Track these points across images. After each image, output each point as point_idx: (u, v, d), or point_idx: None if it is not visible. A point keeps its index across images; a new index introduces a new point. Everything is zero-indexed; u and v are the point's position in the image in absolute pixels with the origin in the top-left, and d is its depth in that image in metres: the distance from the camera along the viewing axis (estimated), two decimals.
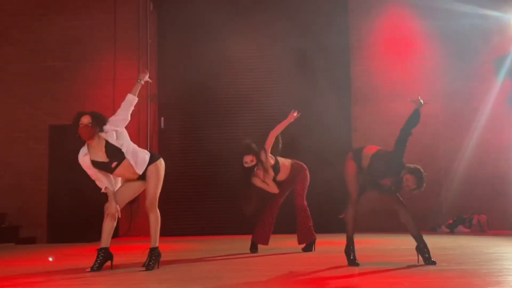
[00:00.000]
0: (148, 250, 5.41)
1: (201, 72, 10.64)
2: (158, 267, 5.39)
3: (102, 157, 5.27)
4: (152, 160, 5.41)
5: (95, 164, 5.29)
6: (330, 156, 10.10)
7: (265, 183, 6.78)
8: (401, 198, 5.41)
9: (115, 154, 5.26)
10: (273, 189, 6.86)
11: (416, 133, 5.36)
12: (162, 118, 10.65)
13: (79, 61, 10.77)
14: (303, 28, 10.59)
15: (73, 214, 10.03)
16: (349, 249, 5.44)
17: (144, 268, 5.32)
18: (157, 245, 5.40)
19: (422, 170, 5.15)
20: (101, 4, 10.88)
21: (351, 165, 5.49)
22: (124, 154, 5.27)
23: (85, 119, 5.22)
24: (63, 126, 10.53)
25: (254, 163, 6.63)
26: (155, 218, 5.41)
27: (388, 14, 10.70)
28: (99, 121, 5.26)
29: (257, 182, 6.77)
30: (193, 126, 10.63)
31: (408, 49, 10.60)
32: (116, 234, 10.23)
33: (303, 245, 6.93)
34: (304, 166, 7.03)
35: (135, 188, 5.50)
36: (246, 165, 6.62)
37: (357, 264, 5.31)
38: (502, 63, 10.35)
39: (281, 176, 6.92)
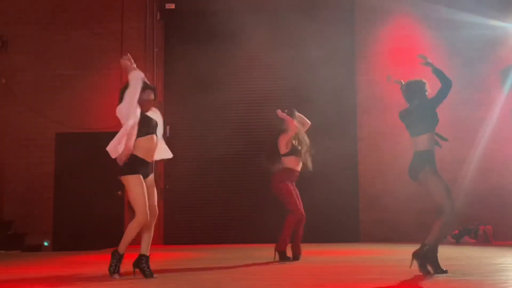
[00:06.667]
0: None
1: (207, 80, 10.69)
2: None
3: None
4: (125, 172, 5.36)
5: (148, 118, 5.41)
6: (336, 165, 10.11)
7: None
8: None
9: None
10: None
11: None
12: (168, 126, 10.67)
13: (87, 69, 10.85)
14: (309, 37, 10.62)
15: (79, 222, 10.07)
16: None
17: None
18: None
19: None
20: (109, 14, 10.97)
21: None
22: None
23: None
24: (70, 134, 10.60)
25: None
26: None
27: (394, 24, 10.71)
28: None
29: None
30: (198, 134, 10.66)
31: (414, 59, 10.54)
32: None
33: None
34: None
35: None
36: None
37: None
38: (508, 73, 10.34)
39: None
